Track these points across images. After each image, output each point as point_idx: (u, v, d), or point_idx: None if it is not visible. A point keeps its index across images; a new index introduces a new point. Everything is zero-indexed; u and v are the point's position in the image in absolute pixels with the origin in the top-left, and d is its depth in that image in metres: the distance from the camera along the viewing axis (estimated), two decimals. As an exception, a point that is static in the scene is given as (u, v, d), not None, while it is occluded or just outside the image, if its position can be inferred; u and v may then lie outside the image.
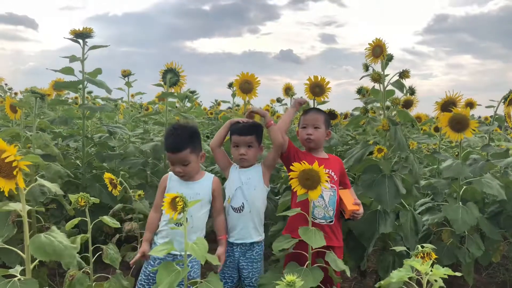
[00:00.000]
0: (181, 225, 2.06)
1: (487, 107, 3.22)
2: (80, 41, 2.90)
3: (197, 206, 2.05)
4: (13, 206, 1.39)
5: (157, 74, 3.08)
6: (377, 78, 2.54)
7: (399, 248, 1.80)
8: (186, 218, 1.70)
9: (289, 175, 1.89)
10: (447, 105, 2.76)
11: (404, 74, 2.57)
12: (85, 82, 2.93)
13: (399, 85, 2.58)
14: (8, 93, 6.48)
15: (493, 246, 2.90)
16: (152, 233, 2.20)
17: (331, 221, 2.26)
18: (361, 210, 2.28)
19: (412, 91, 2.76)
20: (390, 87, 2.63)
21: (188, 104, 3.79)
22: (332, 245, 2.17)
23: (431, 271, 1.36)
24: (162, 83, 3.05)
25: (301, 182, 1.88)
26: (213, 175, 2.27)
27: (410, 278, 1.43)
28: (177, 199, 1.66)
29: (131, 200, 2.71)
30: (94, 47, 2.93)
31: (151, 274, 2.16)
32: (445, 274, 1.36)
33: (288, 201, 2.59)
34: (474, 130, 2.50)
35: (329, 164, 2.32)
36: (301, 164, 1.85)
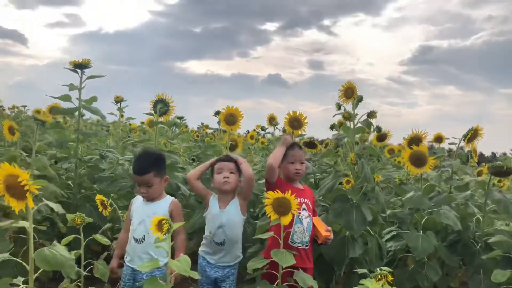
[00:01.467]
0: (142, 242, 2.27)
1: (450, 143, 3.55)
2: (79, 71, 3.15)
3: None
4: (21, 223, 1.59)
5: (147, 93, 3.38)
6: (348, 117, 2.83)
7: (361, 271, 2.02)
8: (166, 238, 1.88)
9: (264, 203, 2.12)
10: (413, 141, 3.06)
11: (371, 114, 2.86)
12: (81, 109, 3.16)
13: (367, 124, 2.88)
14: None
15: (452, 272, 3.15)
16: (121, 250, 2.44)
17: (307, 246, 2.51)
18: (331, 235, 2.53)
19: (379, 129, 3.06)
20: (360, 125, 2.92)
21: (176, 130, 4.04)
22: (305, 266, 2.41)
23: (381, 289, 1.60)
24: (153, 112, 3.29)
25: (275, 209, 2.11)
26: (172, 198, 2.46)
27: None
28: (163, 221, 1.86)
29: (119, 220, 2.90)
30: (91, 77, 3.17)
31: None
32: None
33: (266, 225, 2.81)
34: (431, 166, 2.78)
35: (305, 194, 2.61)
36: (275, 192, 2.09)
